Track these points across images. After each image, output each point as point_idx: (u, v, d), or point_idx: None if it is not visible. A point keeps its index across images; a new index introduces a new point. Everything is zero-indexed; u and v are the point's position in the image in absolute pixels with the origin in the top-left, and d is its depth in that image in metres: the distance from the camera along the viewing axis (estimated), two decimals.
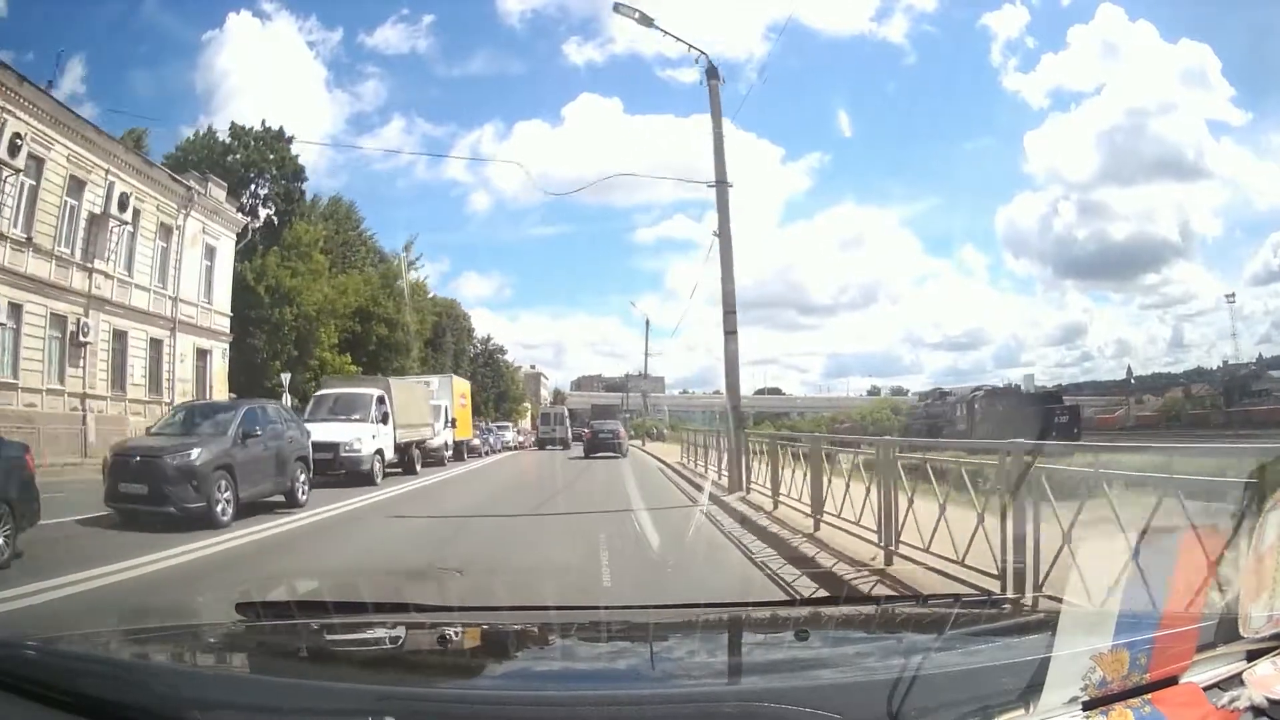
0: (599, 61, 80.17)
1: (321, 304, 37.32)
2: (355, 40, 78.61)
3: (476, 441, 33.94)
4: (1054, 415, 32.64)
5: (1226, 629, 1.54)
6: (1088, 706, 1.41)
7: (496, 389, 69.50)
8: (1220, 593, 1.62)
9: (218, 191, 32.96)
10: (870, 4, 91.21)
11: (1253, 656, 1.52)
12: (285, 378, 31.24)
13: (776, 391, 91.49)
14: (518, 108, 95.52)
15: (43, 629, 3.70)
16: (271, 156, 39.37)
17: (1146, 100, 77.64)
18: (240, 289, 34.48)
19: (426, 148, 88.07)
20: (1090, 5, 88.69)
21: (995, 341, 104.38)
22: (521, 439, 50.91)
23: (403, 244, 52.41)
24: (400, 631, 2.46)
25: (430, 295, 60.25)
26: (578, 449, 37.47)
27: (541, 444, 45.56)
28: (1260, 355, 57.29)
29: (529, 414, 79.56)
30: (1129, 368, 71.68)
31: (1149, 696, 1.43)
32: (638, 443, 45.96)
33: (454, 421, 28.54)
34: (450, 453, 27.84)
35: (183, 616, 5.07)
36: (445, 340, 57.27)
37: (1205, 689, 1.48)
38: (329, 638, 2.37)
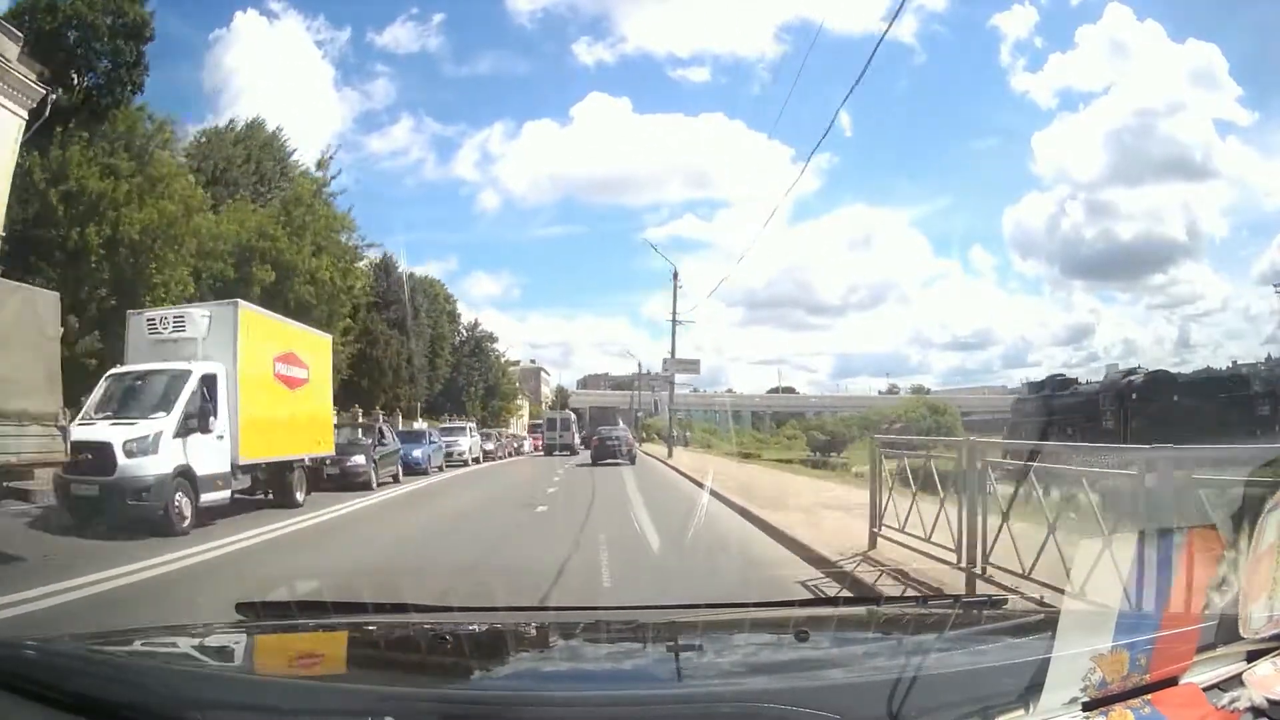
0: (609, 61, 80.00)
1: (155, 226, 23.03)
2: (364, 39, 78.37)
3: (359, 461, 18.96)
4: (1254, 406, 23.87)
5: (1227, 630, 1.54)
6: (1088, 707, 1.41)
7: (484, 383, 61.53)
8: (1220, 593, 1.62)
9: (4, 45, 20.06)
10: (881, 3, 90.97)
11: (1253, 657, 1.52)
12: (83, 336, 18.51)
13: (790, 391, 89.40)
14: (527, 107, 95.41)
15: None
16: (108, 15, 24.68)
17: (1154, 100, 77.37)
18: (24, 196, 21.41)
19: (435, 147, 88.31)
20: (1098, 5, 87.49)
21: (1003, 342, 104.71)
22: (491, 447, 40.66)
23: (319, 162, 35.35)
24: (400, 632, 2.46)
25: (383, 256, 48.99)
26: (585, 454, 37.03)
27: (549, 450, 44.90)
28: (1269, 355, 57.33)
29: (525, 413, 73.72)
30: (1140, 368, 71.64)
31: (1149, 697, 1.44)
32: (658, 450, 40.46)
33: (202, 413, 12.19)
34: (232, 489, 12.81)
35: (183, 616, 5.08)
36: (420, 322, 49.88)
37: (1205, 690, 1.48)
38: (329, 638, 2.37)
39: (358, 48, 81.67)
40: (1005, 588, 5.52)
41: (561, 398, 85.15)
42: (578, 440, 45.73)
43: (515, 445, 49.95)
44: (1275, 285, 57.27)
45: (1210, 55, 70.61)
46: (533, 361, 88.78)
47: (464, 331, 61.57)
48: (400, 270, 52.40)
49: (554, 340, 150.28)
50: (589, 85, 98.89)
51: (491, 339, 65.02)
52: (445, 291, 59.54)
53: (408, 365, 46.70)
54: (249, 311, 14.73)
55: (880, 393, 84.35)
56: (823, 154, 76.41)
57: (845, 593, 6.15)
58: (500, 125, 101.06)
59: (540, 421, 59.50)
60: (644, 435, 56.99)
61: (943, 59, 70.95)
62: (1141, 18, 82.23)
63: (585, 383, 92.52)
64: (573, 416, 51.00)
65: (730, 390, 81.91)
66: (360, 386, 42.26)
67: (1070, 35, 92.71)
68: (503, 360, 66.70)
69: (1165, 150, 70.79)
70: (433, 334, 53.35)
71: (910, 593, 5.96)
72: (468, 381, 59.16)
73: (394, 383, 46.70)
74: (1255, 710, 1.44)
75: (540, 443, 49.10)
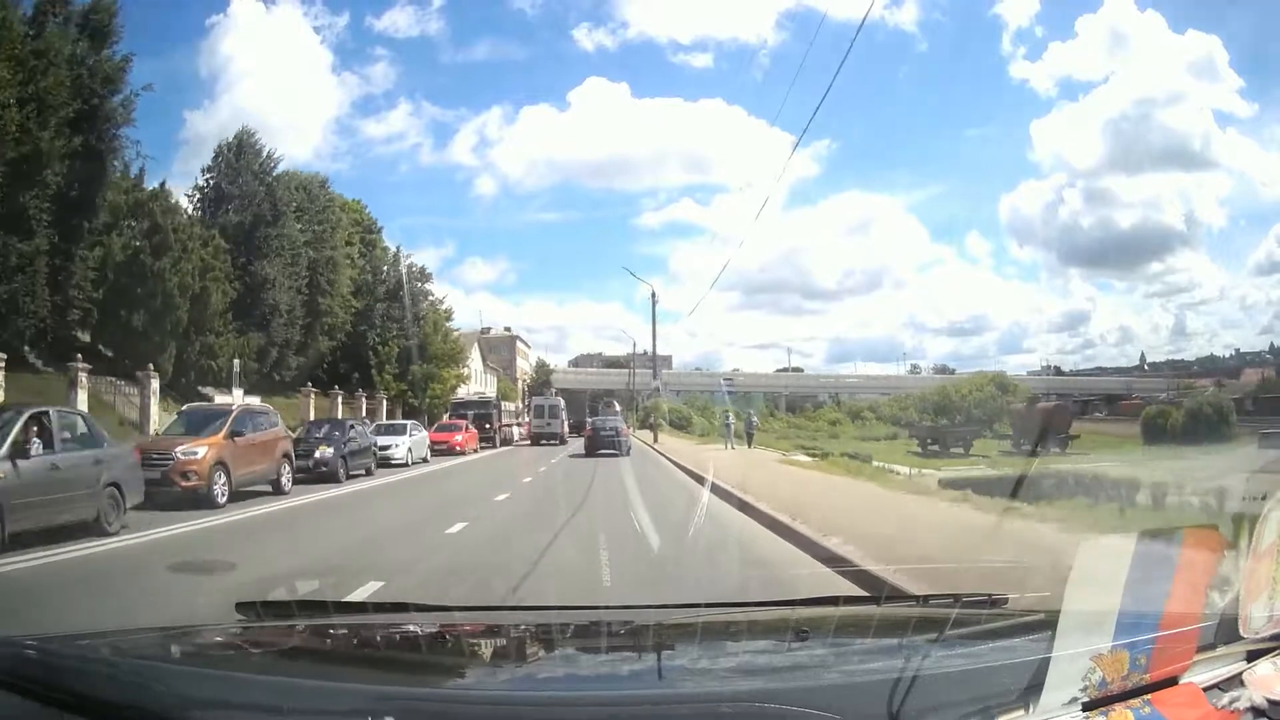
0: (609, 46, 79.98)
1: None
2: (362, 24, 78.12)
3: None
4: None
5: (1227, 629, 1.54)
6: (1088, 707, 1.41)
7: (404, 339, 40.74)
8: (1220, 593, 1.62)
9: None
10: None
11: (1253, 657, 1.52)
12: None
13: (798, 371, 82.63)
14: (525, 92, 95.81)
15: None
16: None
17: (1154, 90, 77.49)
18: None
19: (432, 132, 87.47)
20: None
21: (998, 328, 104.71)
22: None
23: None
24: (400, 631, 2.47)
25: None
26: (573, 445, 36.05)
27: (535, 439, 41.94)
28: (1272, 344, 58.00)
29: (489, 390, 57.72)
30: (1142, 354, 71.94)
31: (1149, 697, 1.44)
32: (681, 449, 31.36)
33: None
34: None
35: (183, 617, 5.07)
36: (282, 232, 33.31)
37: (1205, 689, 1.48)
38: (329, 638, 2.37)
39: (355, 32, 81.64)
40: None
41: (543, 373, 75.04)
42: (566, 429, 43.46)
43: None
44: None
45: (1211, 47, 71.02)
46: (507, 329, 77.94)
47: (384, 267, 42.54)
48: (265, 154, 34.94)
49: (549, 324, 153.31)
50: (588, 70, 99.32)
51: (423, 277, 44.89)
52: (360, 209, 41.67)
53: (222, 294, 29.12)
54: None
55: (908, 371, 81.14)
56: (822, 140, 75.79)
57: (846, 592, 6.13)
58: (498, 110, 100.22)
59: (466, 400, 42.84)
60: (654, 422, 45.58)
61: (943, 47, 71.02)
62: (1142, 8, 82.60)
63: (577, 361, 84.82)
64: (561, 403, 45.41)
65: (737, 369, 77.04)
66: (122, 322, 25.94)
67: (1070, 24, 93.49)
68: (439, 308, 46.54)
69: (1164, 140, 71.26)
70: (315, 259, 35.41)
71: (911, 592, 5.96)
72: (380, 338, 40.04)
73: (204, 324, 28.24)
74: (1255, 710, 1.44)
75: (459, 439, 31.99)
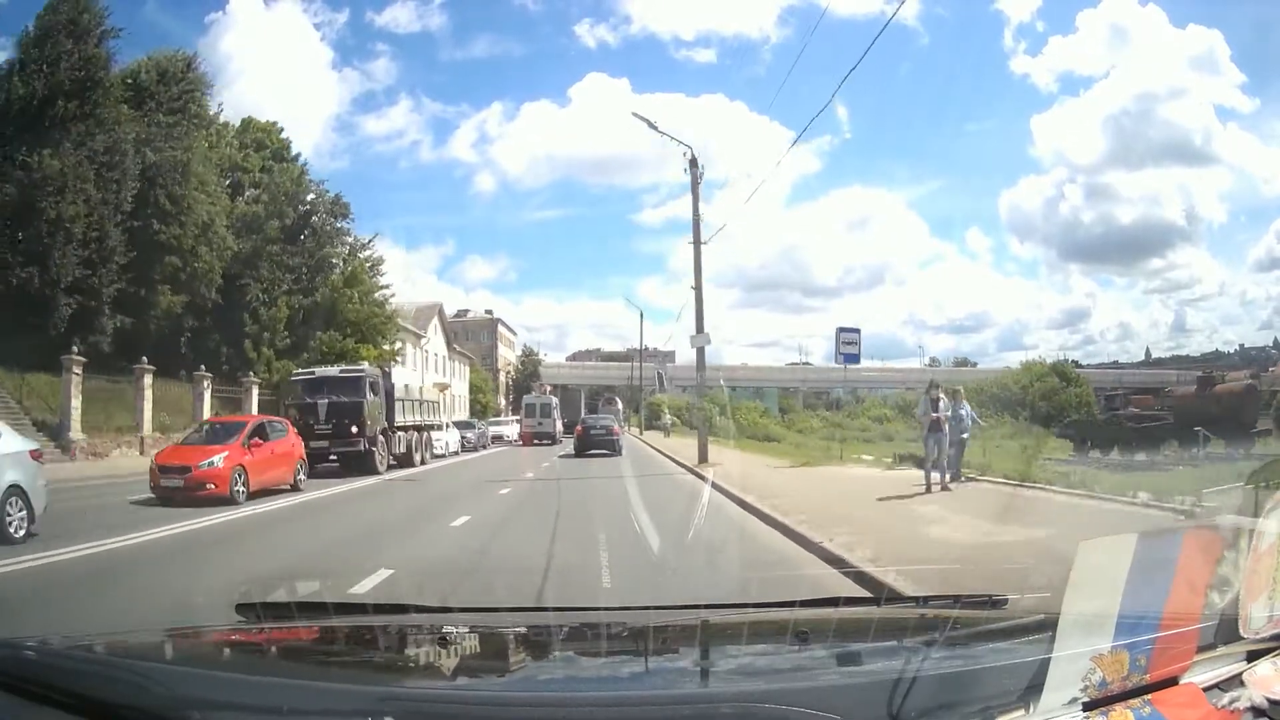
0: (611, 42, 79.62)
1: None
2: (363, 20, 77.63)
3: None
4: None
5: (1227, 629, 1.54)
6: (1088, 707, 1.41)
7: (300, 293, 28.52)
8: (1220, 593, 1.62)
9: None
10: None
11: (1253, 657, 1.52)
12: None
13: (807, 365, 77.07)
14: (526, 88, 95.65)
15: None
16: None
17: (1155, 85, 77.40)
18: None
19: (433, 128, 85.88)
20: None
21: (998, 324, 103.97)
22: None
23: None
24: (400, 632, 2.47)
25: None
26: (566, 445, 35.84)
27: (527, 440, 40.71)
28: (1276, 339, 57.93)
29: (454, 385, 49.21)
30: (1147, 350, 71.68)
31: (1149, 697, 1.44)
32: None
33: None
34: None
35: (182, 617, 5.07)
36: (89, 111, 21.37)
37: (1205, 689, 1.48)
38: (329, 639, 2.37)
39: (355, 29, 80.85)
40: None
41: (531, 364, 68.09)
42: (559, 428, 42.50)
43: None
44: None
45: (1212, 41, 70.74)
46: (489, 312, 69.35)
47: (282, 196, 29.00)
48: (97, 10, 23.00)
49: (549, 323, 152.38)
50: (589, 66, 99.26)
51: (339, 211, 31.26)
52: (273, 130, 30.26)
53: None
54: None
55: (929, 363, 78.76)
56: (822, 136, 75.48)
57: (846, 593, 6.13)
58: (499, 105, 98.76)
59: (318, 374, 21.90)
60: (695, 420, 31.77)
61: (944, 41, 70.93)
62: (1143, 2, 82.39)
63: (575, 357, 79.64)
64: (554, 400, 43.96)
65: (745, 365, 73.04)
66: None
67: (1071, 19, 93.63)
68: (361, 255, 33.40)
69: (1165, 135, 70.99)
70: (155, 163, 23.10)
71: (912, 592, 5.96)
72: (266, 295, 27.06)
73: None
74: (1255, 710, 1.44)
75: (215, 463, 13.75)
